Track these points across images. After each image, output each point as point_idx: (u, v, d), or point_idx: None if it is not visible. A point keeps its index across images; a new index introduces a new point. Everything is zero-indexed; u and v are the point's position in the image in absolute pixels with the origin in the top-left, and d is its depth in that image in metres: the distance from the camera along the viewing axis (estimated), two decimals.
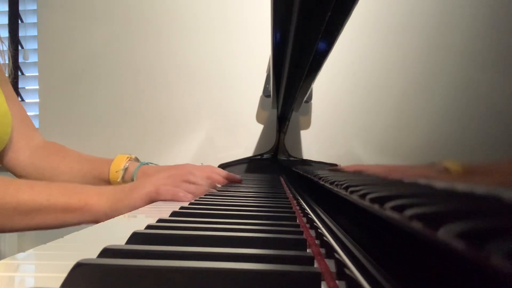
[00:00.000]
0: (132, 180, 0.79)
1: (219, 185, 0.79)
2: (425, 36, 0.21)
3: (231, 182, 0.83)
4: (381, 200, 0.23)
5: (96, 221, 0.59)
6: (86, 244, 0.33)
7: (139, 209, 0.53)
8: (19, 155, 0.82)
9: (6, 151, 0.81)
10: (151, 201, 0.60)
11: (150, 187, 0.60)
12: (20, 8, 1.53)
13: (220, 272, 0.22)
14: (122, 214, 0.59)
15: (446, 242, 0.15)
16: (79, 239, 0.35)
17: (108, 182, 0.79)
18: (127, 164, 0.79)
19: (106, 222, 0.43)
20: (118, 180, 0.79)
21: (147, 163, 0.81)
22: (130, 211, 0.60)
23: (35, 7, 1.51)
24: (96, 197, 0.59)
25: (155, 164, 0.84)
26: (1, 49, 0.83)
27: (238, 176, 0.86)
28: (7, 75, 0.85)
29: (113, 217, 0.59)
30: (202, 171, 0.76)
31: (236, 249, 0.26)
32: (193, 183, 0.65)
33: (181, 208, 0.47)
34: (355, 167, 0.33)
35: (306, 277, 0.22)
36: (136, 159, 0.82)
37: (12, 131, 0.81)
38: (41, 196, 0.57)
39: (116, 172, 0.78)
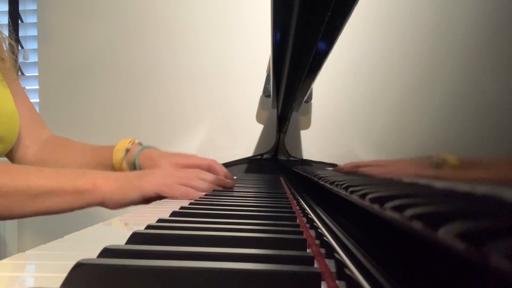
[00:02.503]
0: (134, 162, 0.79)
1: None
2: (425, 36, 0.21)
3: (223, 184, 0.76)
4: (381, 200, 0.23)
5: (103, 204, 0.60)
6: (86, 244, 0.33)
7: (139, 210, 0.53)
8: (28, 151, 0.84)
9: (16, 149, 0.83)
10: (160, 194, 0.61)
11: (163, 180, 0.61)
12: (20, 8, 1.53)
13: (220, 272, 0.22)
14: (129, 198, 0.60)
15: (446, 242, 0.15)
16: (79, 239, 0.35)
17: (112, 167, 0.80)
18: (129, 146, 0.79)
19: (106, 222, 0.43)
20: (120, 159, 0.78)
21: (149, 147, 0.81)
22: (138, 197, 0.60)
23: (35, 7, 1.51)
24: (104, 179, 0.60)
25: (157, 149, 0.83)
26: (7, 47, 0.83)
27: (230, 182, 0.78)
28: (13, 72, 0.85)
29: (120, 201, 0.59)
30: (204, 160, 0.77)
31: (236, 249, 0.26)
32: (203, 179, 0.65)
33: (181, 208, 0.47)
34: (353, 164, 0.33)
35: (306, 277, 0.22)
36: (139, 143, 0.82)
37: (22, 129, 0.82)
38: (50, 179, 0.58)
39: (117, 151, 0.79)
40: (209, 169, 0.75)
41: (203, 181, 0.65)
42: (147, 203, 0.62)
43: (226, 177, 0.81)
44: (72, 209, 0.60)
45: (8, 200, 0.56)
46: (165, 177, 0.62)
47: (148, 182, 0.61)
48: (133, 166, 0.79)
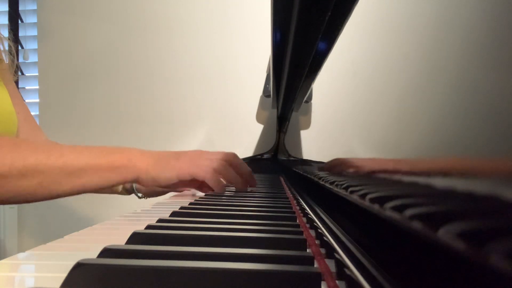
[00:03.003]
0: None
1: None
2: (425, 36, 0.21)
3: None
4: (381, 200, 0.23)
5: (138, 179, 0.59)
6: (86, 244, 0.33)
7: (139, 210, 0.53)
8: None
9: None
10: (195, 177, 0.60)
11: (199, 161, 0.61)
12: (20, 8, 1.53)
13: (220, 272, 0.22)
14: (164, 176, 0.59)
15: (446, 242, 0.15)
16: (79, 239, 0.35)
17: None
18: None
19: (106, 222, 0.43)
20: None
21: None
22: (173, 176, 0.60)
23: (35, 7, 1.51)
24: (139, 155, 0.60)
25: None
26: (5, 48, 0.83)
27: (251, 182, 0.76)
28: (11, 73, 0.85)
29: (155, 178, 0.59)
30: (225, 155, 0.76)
31: (236, 249, 0.26)
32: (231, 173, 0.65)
33: (181, 208, 0.47)
34: (351, 163, 0.33)
35: (306, 277, 0.22)
36: None
37: (18, 131, 0.81)
38: (84, 156, 0.57)
39: None
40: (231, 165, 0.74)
41: (232, 172, 0.65)
42: (181, 185, 0.62)
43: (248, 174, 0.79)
44: (108, 185, 0.59)
45: (45, 178, 0.55)
46: (200, 159, 0.62)
47: (184, 163, 0.60)
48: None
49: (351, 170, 0.33)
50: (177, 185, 0.63)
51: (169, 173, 0.59)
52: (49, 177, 0.55)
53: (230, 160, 0.65)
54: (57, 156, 0.56)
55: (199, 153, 0.63)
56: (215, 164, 0.62)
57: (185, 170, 0.60)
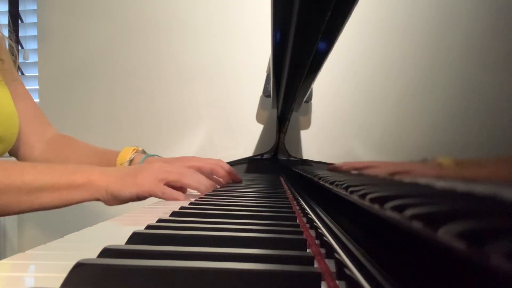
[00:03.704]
0: None
1: (222, 181, 0.80)
2: (425, 36, 0.21)
3: (232, 180, 0.84)
4: (381, 200, 0.23)
5: (98, 198, 0.60)
6: (86, 244, 0.33)
7: (139, 210, 0.53)
8: (34, 150, 0.84)
9: (21, 147, 0.83)
10: (153, 195, 0.61)
11: (157, 175, 0.61)
12: (20, 8, 1.53)
13: (220, 272, 0.22)
14: (124, 195, 0.59)
15: (446, 242, 0.15)
16: (79, 239, 0.35)
17: None
18: (133, 156, 0.80)
19: (105, 222, 0.43)
20: None
21: (153, 155, 0.82)
22: (133, 195, 0.60)
23: (35, 7, 1.51)
24: (99, 175, 0.60)
25: (160, 157, 0.84)
26: (6, 48, 0.84)
27: (238, 176, 0.87)
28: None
29: (116, 197, 0.59)
30: (206, 163, 0.77)
31: (236, 249, 0.26)
32: (197, 180, 0.66)
33: (181, 208, 0.47)
34: (351, 164, 0.33)
35: (306, 277, 0.22)
36: (143, 151, 0.83)
37: (27, 128, 0.83)
38: (44, 175, 0.58)
39: (121, 163, 0.79)
40: (212, 172, 0.76)
41: (197, 179, 0.65)
42: (144, 199, 0.62)
43: (231, 174, 0.82)
44: (67, 204, 0.60)
45: (4, 196, 0.56)
46: (159, 173, 0.62)
47: (142, 181, 0.60)
48: None
49: (355, 172, 0.33)
50: (145, 198, 0.63)
51: (129, 190, 0.60)
52: (8, 196, 0.56)
53: (192, 174, 0.66)
54: (16, 175, 0.57)
55: (158, 168, 0.63)
56: (172, 176, 0.62)
57: (143, 189, 0.60)
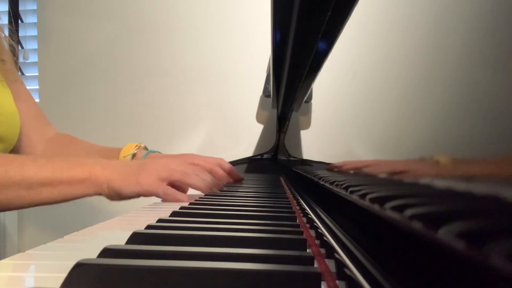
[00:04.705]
0: None
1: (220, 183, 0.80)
2: (425, 36, 0.21)
3: (232, 179, 0.83)
4: (381, 200, 0.23)
5: (99, 193, 0.59)
6: (86, 244, 0.33)
7: (139, 210, 0.53)
8: (35, 150, 0.84)
9: (22, 147, 0.83)
10: (154, 195, 0.60)
11: (160, 174, 0.60)
12: (20, 8, 1.53)
13: (220, 272, 0.22)
14: (127, 191, 0.59)
15: (446, 242, 0.15)
16: (79, 239, 0.35)
17: None
18: (135, 151, 0.79)
19: (106, 222, 0.43)
20: None
21: (154, 151, 0.82)
22: (134, 193, 0.59)
23: (35, 7, 1.51)
24: (100, 169, 0.59)
25: (162, 153, 0.84)
26: (7, 48, 0.84)
27: (239, 175, 0.86)
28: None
29: (118, 193, 0.58)
30: (206, 162, 0.77)
31: (236, 249, 0.26)
32: (202, 178, 0.65)
33: (181, 208, 0.47)
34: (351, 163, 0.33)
35: (306, 277, 0.22)
36: (145, 148, 0.83)
37: (28, 128, 0.82)
38: (45, 169, 0.57)
39: (124, 157, 0.79)
40: (211, 172, 0.76)
41: (201, 179, 0.64)
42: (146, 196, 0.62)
43: (232, 174, 0.82)
44: (68, 199, 0.59)
45: (4, 192, 0.55)
46: (162, 171, 0.61)
47: (144, 180, 0.59)
48: None
49: (355, 172, 0.33)
50: (147, 195, 0.62)
51: (131, 189, 0.59)
52: (8, 192, 0.55)
53: (197, 172, 0.65)
54: (16, 170, 0.55)
55: (162, 165, 0.62)
56: (175, 175, 0.61)
57: (146, 188, 0.59)
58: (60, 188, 0.57)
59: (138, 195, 0.60)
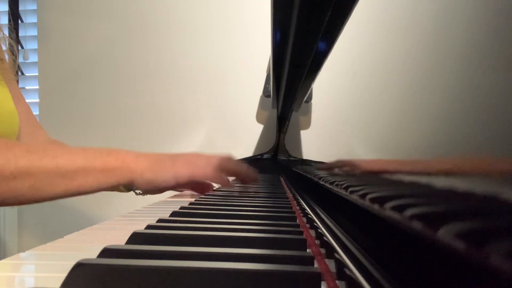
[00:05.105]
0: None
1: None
2: (425, 36, 0.21)
3: (241, 181, 0.74)
4: (381, 200, 0.23)
5: (133, 182, 0.59)
6: (86, 244, 0.33)
7: (139, 209, 0.53)
8: None
9: None
10: (193, 178, 0.60)
11: (196, 162, 0.61)
12: (20, 8, 1.53)
13: (220, 272, 0.22)
14: (161, 179, 0.59)
15: (446, 242, 0.15)
16: (79, 239, 0.35)
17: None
18: None
19: (105, 222, 0.43)
20: None
21: None
22: (171, 179, 0.59)
23: (35, 7, 1.51)
24: (134, 157, 0.59)
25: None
26: (6, 47, 0.83)
27: (254, 175, 0.74)
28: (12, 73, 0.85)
29: (151, 181, 0.58)
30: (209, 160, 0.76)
31: (236, 249, 0.26)
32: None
33: (181, 208, 0.47)
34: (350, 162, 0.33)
35: (306, 277, 0.22)
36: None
37: (21, 130, 0.81)
38: (78, 158, 0.56)
39: None
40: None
41: (234, 165, 0.65)
42: (179, 187, 0.61)
43: (240, 176, 0.78)
44: (102, 187, 0.58)
45: (38, 180, 0.53)
46: (197, 160, 0.62)
47: (181, 165, 0.60)
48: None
49: (353, 170, 0.33)
50: (175, 187, 0.62)
51: (166, 175, 0.59)
52: (42, 179, 0.54)
53: (227, 158, 0.65)
54: (50, 158, 0.55)
55: (195, 155, 0.64)
56: (214, 160, 0.62)
57: (183, 172, 0.59)
58: (93, 176, 0.57)
59: (174, 182, 0.60)
